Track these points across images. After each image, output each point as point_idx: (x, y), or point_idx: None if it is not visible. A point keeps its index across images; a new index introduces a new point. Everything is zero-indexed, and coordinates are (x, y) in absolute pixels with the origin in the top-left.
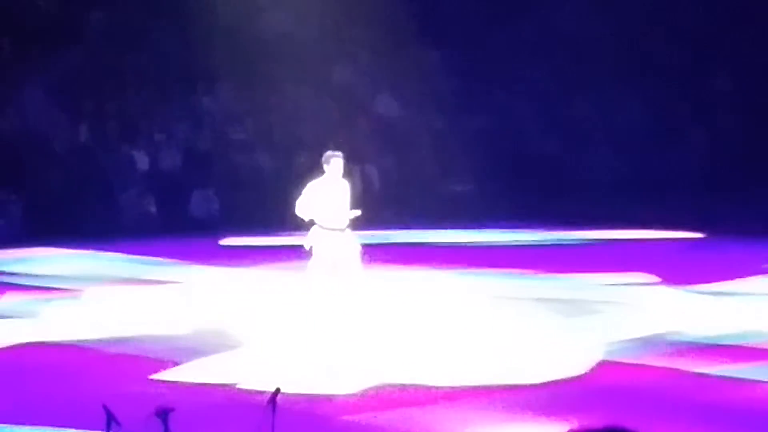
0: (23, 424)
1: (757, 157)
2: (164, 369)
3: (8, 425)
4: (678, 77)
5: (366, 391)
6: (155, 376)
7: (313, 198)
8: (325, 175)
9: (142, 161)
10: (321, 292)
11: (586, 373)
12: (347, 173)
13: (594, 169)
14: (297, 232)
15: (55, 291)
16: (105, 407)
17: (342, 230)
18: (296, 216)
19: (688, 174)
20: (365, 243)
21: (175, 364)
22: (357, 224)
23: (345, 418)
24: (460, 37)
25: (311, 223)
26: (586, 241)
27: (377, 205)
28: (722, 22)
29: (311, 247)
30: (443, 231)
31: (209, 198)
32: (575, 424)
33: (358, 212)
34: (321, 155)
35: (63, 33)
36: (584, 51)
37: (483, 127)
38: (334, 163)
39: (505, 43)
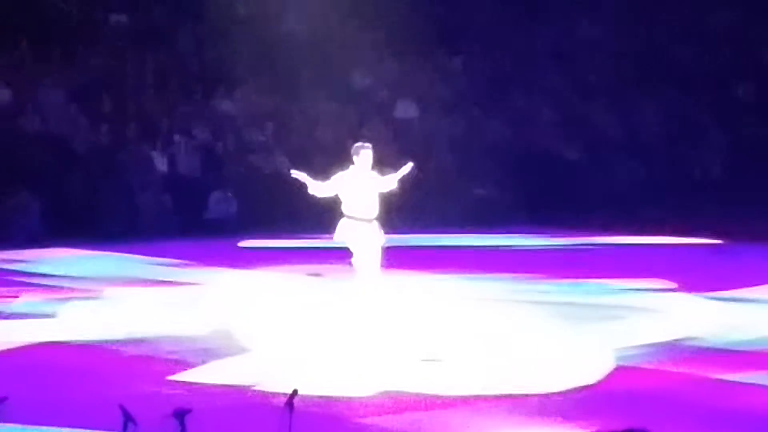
0: (39, 424)
1: None
2: (182, 370)
3: (24, 425)
4: (699, 83)
5: (382, 394)
6: (172, 377)
7: (341, 189)
8: (353, 167)
9: (161, 162)
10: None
11: (602, 379)
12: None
13: (614, 174)
14: (315, 235)
15: (73, 291)
16: (122, 407)
17: (369, 221)
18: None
19: (708, 180)
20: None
21: (193, 365)
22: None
23: (361, 420)
24: (480, 42)
25: (339, 215)
26: (604, 246)
27: (396, 209)
28: (745, 29)
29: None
30: (462, 235)
31: (227, 200)
32: (595, 428)
33: (410, 165)
34: (339, 159)
35: (83, 34)
36: (605, 56)
37: (503, 132)
38: (364, 154)
39: (526, 48)
